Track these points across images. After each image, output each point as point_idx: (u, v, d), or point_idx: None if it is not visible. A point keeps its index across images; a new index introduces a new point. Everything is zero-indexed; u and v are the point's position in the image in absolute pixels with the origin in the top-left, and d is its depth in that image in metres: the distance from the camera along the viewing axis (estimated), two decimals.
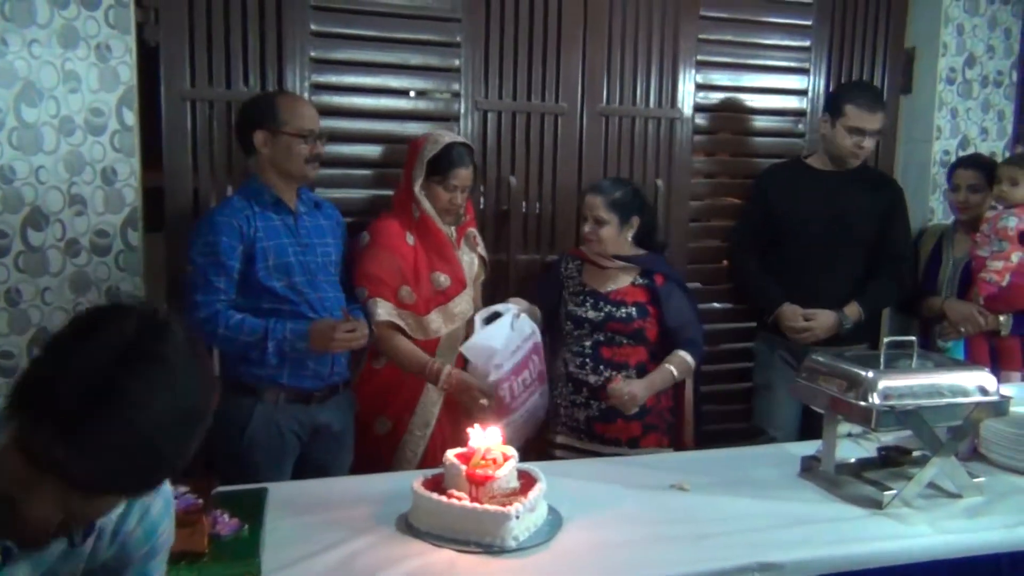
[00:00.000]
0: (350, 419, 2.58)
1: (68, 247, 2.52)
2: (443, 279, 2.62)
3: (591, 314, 2.70)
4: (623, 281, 2.75)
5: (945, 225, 3.24)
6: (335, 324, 2.28)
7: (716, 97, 3.31)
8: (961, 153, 3.54)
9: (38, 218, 2.47)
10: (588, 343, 2.70)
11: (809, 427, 2.91)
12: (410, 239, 2.60)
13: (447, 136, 2.66)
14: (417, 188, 2.59)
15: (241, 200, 2.37)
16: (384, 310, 2.51)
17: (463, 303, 2.66)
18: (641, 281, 2.74)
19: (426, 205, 2.59)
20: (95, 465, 0.95)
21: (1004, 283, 2.75)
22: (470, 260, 2.74)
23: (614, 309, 2.69)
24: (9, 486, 0.98)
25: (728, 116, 3.36)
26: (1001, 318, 2.82)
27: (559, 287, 2.81)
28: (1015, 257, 2.74)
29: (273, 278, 2.35)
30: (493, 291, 2.94)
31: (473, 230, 2.78)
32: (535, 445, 2.76)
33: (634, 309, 2.70)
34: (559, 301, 2.80)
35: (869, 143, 2.97)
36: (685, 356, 2.69)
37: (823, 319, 2.94)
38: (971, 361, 2.80)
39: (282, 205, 2.41)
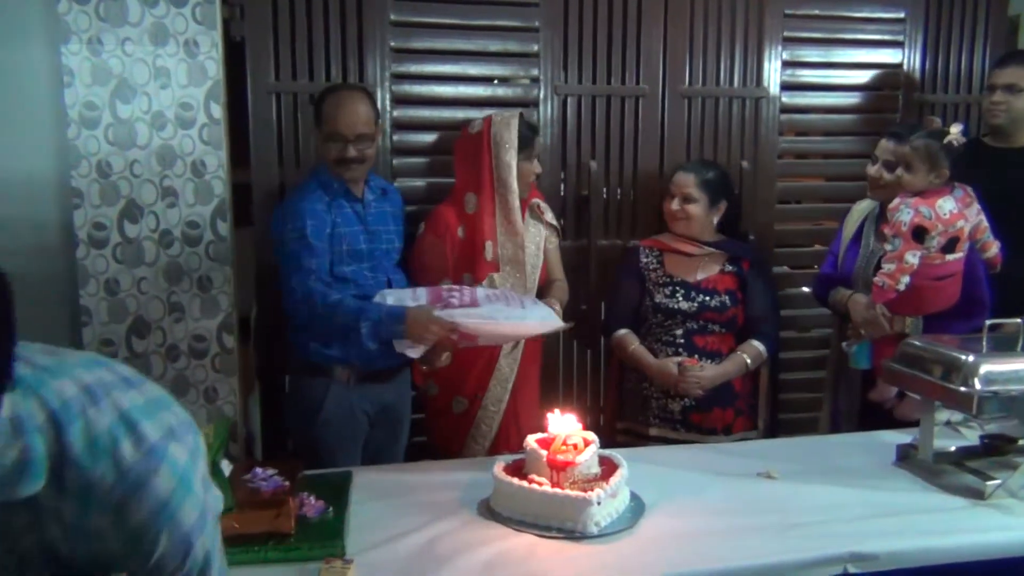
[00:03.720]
0: (408, 400, 2.64)
1: (162, 238, 2.61)
2: (468, 282, 2.56)
3: (683, 304, 2.62)
4: (712, 268, 2.68)
5: (874, 205, 2.70)
6: (431, 312, 2.25)
7: (804, 74, 3.20)
8: None
9: (133, 210, 2.57)
10: (679, 332, 2.63)
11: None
12: (461, 233, 2.59)
13: (506, 113, 2.64)
14: (513, 172, 2.56)
15: (314, 188, 2.42)
16: None
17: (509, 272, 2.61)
18: (730, 268, 2.69)
19: (515, 187, 2.57)
20: None
21: (900, 287, 2.34)
22: (536, 231, 2.70)
23: (707, 298, 2.63)
24: None
25: (818, 94, 3.25)
26: (908, 320, 2.45)
27: (641, 279, 2.72)
28: (910, 257, 2.33)
29: (344, 263, 2.39)
30: (575, 277, 2.91)
31: (537, 200, 2.73)
32: (624, 434, 2.74)
33: (727, 297, 2.64)
34: (642, 293, 2.72)
35: (1001, 97, 2.83)
36: (759, 347, 2.65)
37: None
38: (878, 367, 2.39)
39: (351, 193, 2.45)
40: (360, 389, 2.46)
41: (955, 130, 2.39)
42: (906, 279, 2.34)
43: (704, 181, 2.67)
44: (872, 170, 2.57)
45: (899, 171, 2.43)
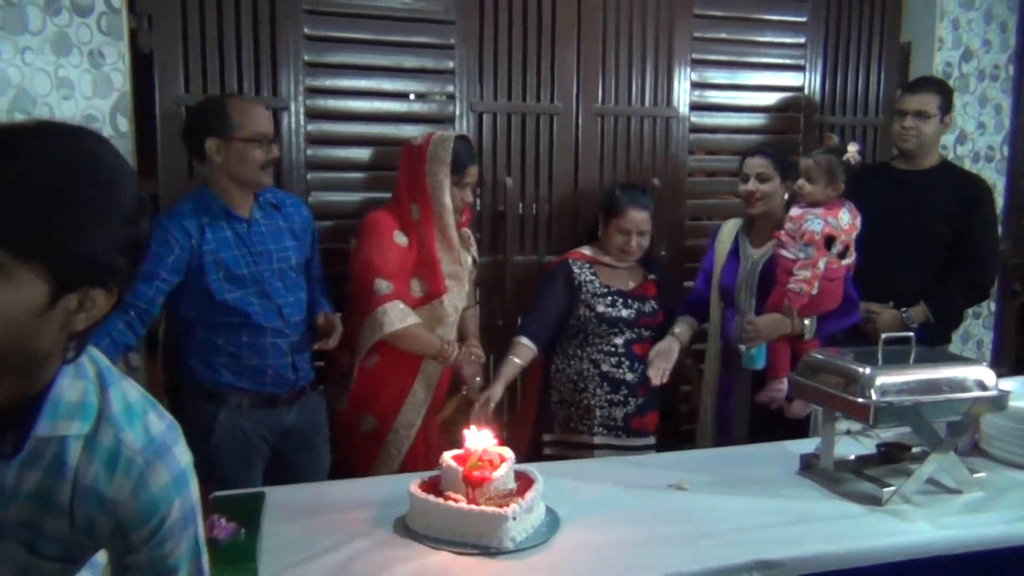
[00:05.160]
0: (322, 420, 2.59)
1: None
2: (418, 288, 2.60)
3: (624, 312, 2.75)
4: (638, 277, 2.84)
5: (739, 222, 2.89)
6: None
7: (712, 95, 3.31)
8: (960, 148, 3.54)
9: None
10: (619, 341, 2.75)
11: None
12: (401, 239, 2.57)
13: (448, 133, 2.65)
14: (446, 191, 2.56)
15: (188, 208, 2.32)
16: (400, 316, 2.49)
17: (448, 305, 2.64)
18: (651, 276, 2.85)
19: (449, 205, 2.57)
20: None
21: (814, 291, 2.55)
22: (465, 259, 2.72)
23: (642, 305, 2.78)
24: None
25: (725, 114, 3.36)
26: (807, 321, 2.61)
27: (573, 292, 2.75)
28: (822, 264, 2.53)
29: (227, 291, 2.31)
30: (490, 294, 2.94)
31: (467, 231, 2.77)
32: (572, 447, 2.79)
33: (655, 302, 2.82)
34: (573, 306, 2.75)
35: (911, 123, 2.94)
36: (690, 320, 2.88)
37: (884, 317, 2.88)
38: (774, 366, 2.65)
39: (233, 215, 2.36)
40: (255, 414, 2.39)
41: (852, 149, 2.60)
42: (817, 283, 2.55)
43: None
44: (749, 186, 2.73)
45: (800, 182, 2.60)
